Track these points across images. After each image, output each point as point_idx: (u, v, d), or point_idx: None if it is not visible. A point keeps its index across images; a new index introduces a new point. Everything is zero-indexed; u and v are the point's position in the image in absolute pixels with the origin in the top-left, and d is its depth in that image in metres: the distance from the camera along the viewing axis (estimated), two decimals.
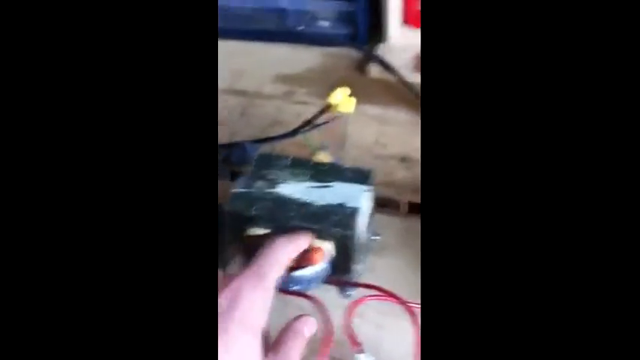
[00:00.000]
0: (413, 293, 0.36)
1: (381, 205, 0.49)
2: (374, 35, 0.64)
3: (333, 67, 0.63)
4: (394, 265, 0.42)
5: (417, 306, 0.35)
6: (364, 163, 0.52)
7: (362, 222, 0.36)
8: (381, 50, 0.63)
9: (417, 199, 0.48)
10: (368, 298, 0.36)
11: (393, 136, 0.54)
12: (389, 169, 0.52)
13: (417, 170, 0.51)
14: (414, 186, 0.49)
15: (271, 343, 0.28)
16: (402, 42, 0.66)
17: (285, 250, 0.31)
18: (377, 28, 0.63)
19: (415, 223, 0.45)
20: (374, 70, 0.61)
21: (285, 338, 0.28)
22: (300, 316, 0.30)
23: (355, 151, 0.53)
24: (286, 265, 0.31)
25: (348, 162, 0.44)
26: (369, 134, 0.55)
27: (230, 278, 0.28)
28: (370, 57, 0.62)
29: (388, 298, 0.35)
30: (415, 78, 0.60)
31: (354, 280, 0.38)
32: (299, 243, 0.32)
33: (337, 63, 0.64)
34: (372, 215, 0.40)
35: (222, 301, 0.26)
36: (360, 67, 0.63)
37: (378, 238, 0.43)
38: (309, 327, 0.29)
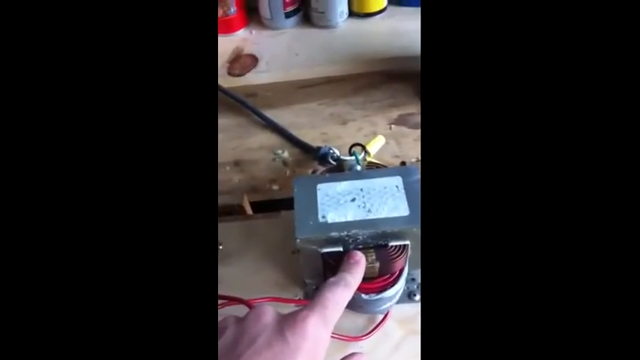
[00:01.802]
0: (259, 292, 0.37)
1: (224, 213, 0.49)
2: None
3: None
4: (240, 271, 0.42)
5: (263, 302, 0.35)
6: None
7: None
8: None
9: (254, 197, 0.49)
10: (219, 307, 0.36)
11: (223, 143, 0.54)
12: (225, 176, 0.51)
13: (250, 170, 0.51)
14: (250, 186, 0.50)
15: None
16: None
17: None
18: None
19: (254, 223, 0.45)
20: None
21: None
22: (353, 354, 0.30)
23: None
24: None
25: None
26: None
27: (294, 313, 0.27)
28: None
29: (234, 304, 0.35)
30: (229, 83, 0.61)
31: None
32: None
33: None
34: None
35: (288, 332, 0.26)
36: None
37: (220, 247, 0.42)
38: None
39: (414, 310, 0.37)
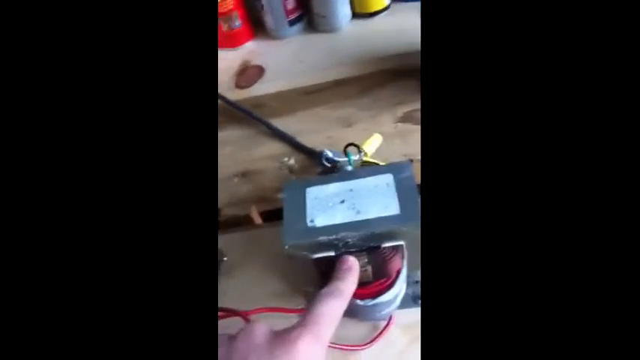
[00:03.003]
0: (262, 303, 0.36)
1: (231, 225, 0.48)
2: None
3: None
4: (243, 281, 0.41)
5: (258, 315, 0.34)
6: None
7: None
8: None
9: (263, 207, 0.48)
10: None
11: (230, 155, 0.54)
12: (233, 187, 0.51)
13: (258, 180, 0.51)
14: (258, 196, 0.50)
15: None
16: (219, 65, 0.67)
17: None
18: None
19: (258, 233, 0.45)
20: None
21: None
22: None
23: None
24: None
25: None
26: None
27: (286, 332, 0.26)
28: None
29: (230, 316, 0.35)
30: (237, 96, 0.61)
31: None
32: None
33: None
34: None
35: (278, 352, 0.25)
36: None
37: (225, 259, 0.42)
38: None
39: (418, 315, 0.35)
